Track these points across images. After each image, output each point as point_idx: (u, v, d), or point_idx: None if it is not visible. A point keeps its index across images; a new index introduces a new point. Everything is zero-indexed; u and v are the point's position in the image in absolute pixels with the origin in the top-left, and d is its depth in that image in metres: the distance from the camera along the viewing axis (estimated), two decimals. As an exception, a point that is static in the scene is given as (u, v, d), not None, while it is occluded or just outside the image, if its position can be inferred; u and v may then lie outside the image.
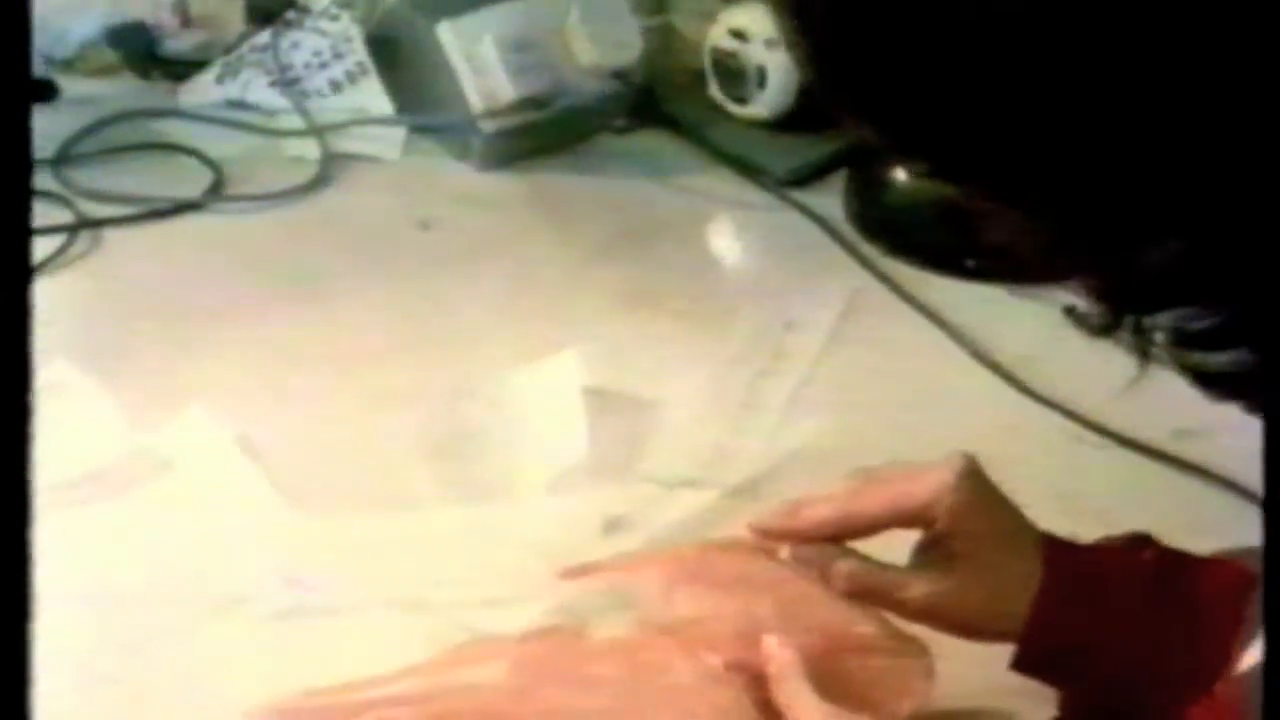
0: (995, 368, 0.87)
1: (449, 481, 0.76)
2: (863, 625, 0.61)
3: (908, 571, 0.60)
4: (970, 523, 0.59)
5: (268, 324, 0.88)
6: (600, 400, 0.81)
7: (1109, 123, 0.39)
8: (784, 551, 0.63)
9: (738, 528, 0.66)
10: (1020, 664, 0.59)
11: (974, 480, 0.59)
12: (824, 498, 0.61)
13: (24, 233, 0.33)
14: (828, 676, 0.57)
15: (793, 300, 0.92)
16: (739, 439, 0.81)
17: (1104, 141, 0.39)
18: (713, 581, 0.61)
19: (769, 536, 0.62)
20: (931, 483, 0.59)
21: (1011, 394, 0.85)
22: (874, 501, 0.60)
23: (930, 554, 0.60)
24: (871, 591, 0.60)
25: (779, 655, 0.57)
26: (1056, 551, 0.59)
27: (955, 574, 0.59)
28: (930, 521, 0.59)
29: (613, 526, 0.72)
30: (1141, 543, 0.59)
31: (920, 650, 0.61)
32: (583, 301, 0.92)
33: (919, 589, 0.59)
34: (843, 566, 0.60)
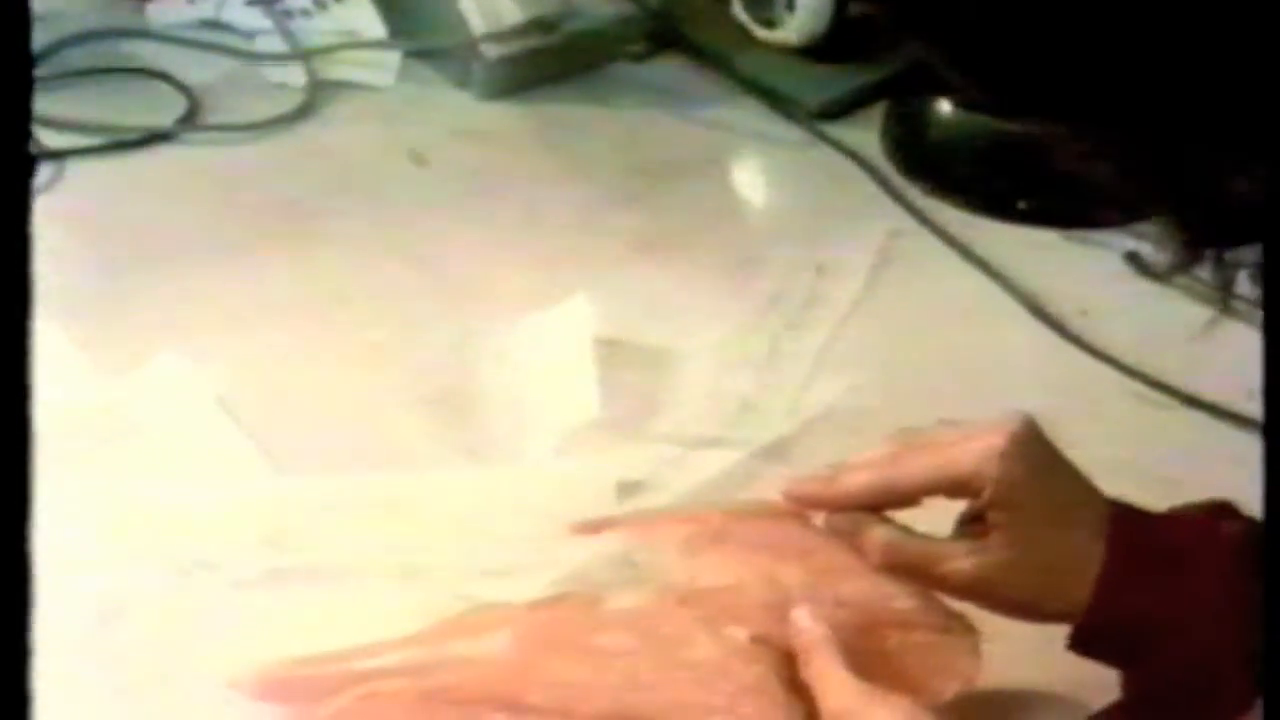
0: (1049, 320, 0.87)
1: (447, 441, 0.77)
2: (902, 599, 0.61)
3: (952, 543, 0.60)
4: (1023, 492, 0.58)
5: (246, 268, 0.88)
6: (614, 352, 0.81)
7: (1198, 36, 0.38)
8: (818, 519, 0.63)
9: (764, 492, 0.67)
10: (1078, 644, 0.59)
11: (1029, 445, 0.59)
12: (861, 463, 0.61)
13: (23, 235, 0.33)
14: (863, 654, 0.58)
15: (825, 245, 0.92)
16: (766, 395, 0.81)
17: (1193, 56, 0.38)
18: (737, 548, 0.62)
19: (802, 504, 0.62)
20: (980, 448, 0.59)
21: (1067, 349, 0.85)
22: (916, 467, 0.60)
23: (978, 525, 0.60)
24: (911, 564, 0.60)
25: (810, 629, 0.57)
26: (1126, 522, 0.58)
27: (1005, 547, 0.58)
28: (977, 490, 0.59)
29: (627, 491, 0.73)
30: (1221, 512, 0.59)
31: (965, 627, 0.61)
32: (594, 245, 0.92)
33: (964, 563, 0.59)
34: (879, 536, 0.60)
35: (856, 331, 0.86)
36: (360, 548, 0.69)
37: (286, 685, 0.59)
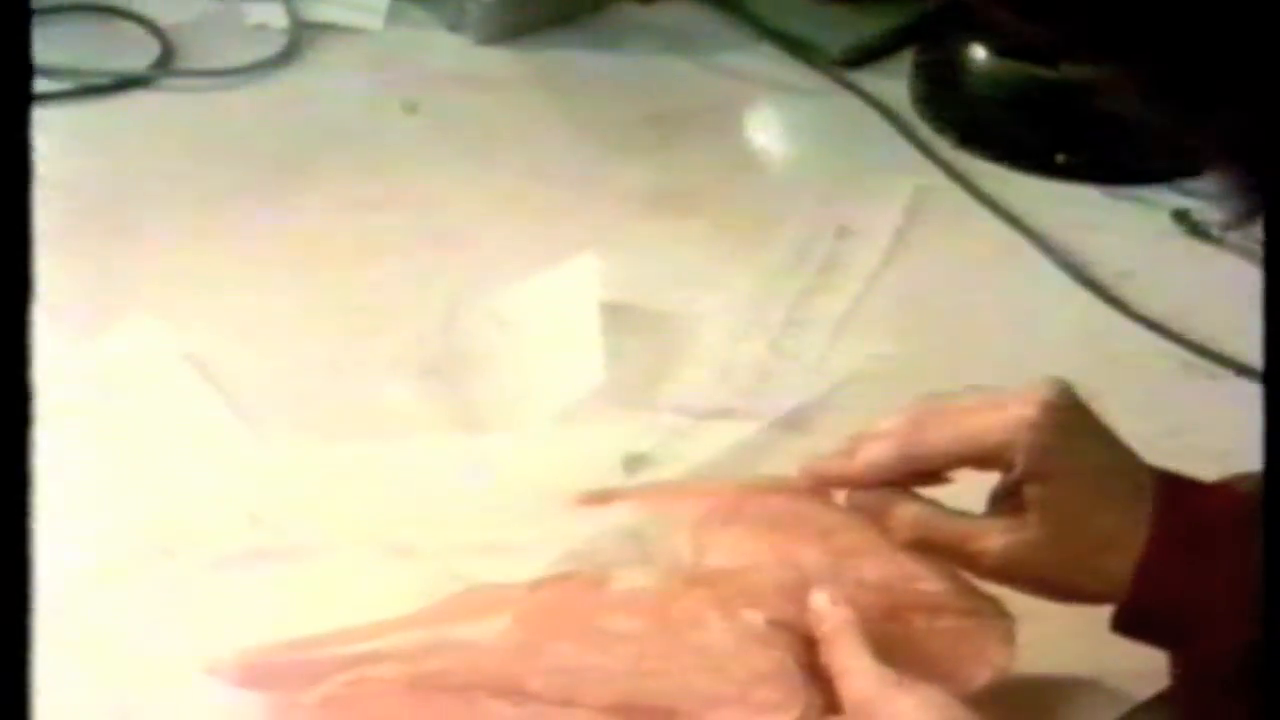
0: (1090, 283, 0.87)
1: (441, 410, 0.77)
2: (929, 581, 0.61)
3: (984, 520, 0.60)
4: (1058, 463, 0.58)
5: (225, 223, 0.88)
6: (621, 317, 0.81)
7: None
8: (839, 496, 0.63)
9: (781, 466, 0.67)
10: (1123, 625, 0.59)
11: (1063, 413, 0.58)
12: (882, 432, 0.61)
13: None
14: (886, 639, 0.57)
15: (848, 202, 0.92)
16: (783, 362, 0.81)
17: None
18: (753, 525, 0.62)
19: (821, 482, 0.62)
20: (1010, 416, 0.58)
21: (1109, 314, 0.85)
22: (940, 436, 0.60)
23: (1011, 501, 0.59)
24: (941, 543, 0.60)
25: (831, 613, 0.57)
26: (1172, 493, 0.58)
27: (1040, 524, 0.58)
28: (1008, 463, 0.58)
29: (635, 464, 0.73)
30: None
31: (998, 611, 0.61)
32: (600, 201, 0.91)
33: (996, 541, 0.58)
34: (905, 513, 0.60)
35: (881, 295, 0.85)
36: (348, 524, 0.69)
37: (268, 671, 0.59)
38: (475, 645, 0.58)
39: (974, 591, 0.61)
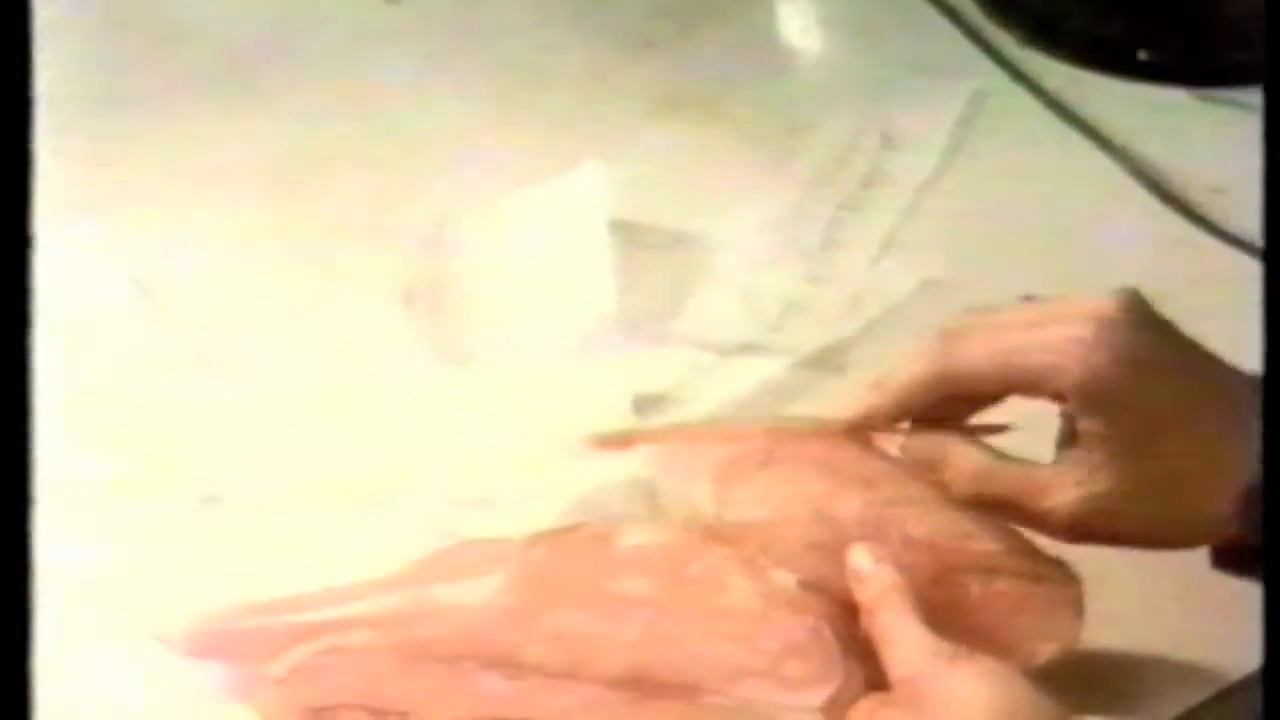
0: (1174, 199, 0.86)
1: (426, 343, 0.77)
2: (985, 540, 0.61)
3: (1051, 470, 0.59)
4: (1122, 391, 0.56)
5: (176, 130, 0.88)
6: (632, 237, 0.81)
7: None
8: (890, 445, 0.62)
9: (815, 407, 0.66)
10: (1225, 561, 0.58)
11: (1124, 331, 0.57)
12: (913, 353, 0.60)
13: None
14: (937, 606, 0.57)
15: (894, 106, 0.91)
16: (817, 291, 0.80)
17: None
18: (782, 473, 0.61)
19: (856, 422, 0.61)
20: (1058, 337, 0.57)
21: (1195, 234, 0.84)
22: (976, 353, 0.58)
23: (1078, 442, 0.58)
24: (1005, 496, 0.59)
25: (874, 574, 0.57)
26: None
27: (1109, 468, 0.57)
28: (1057, 391, 0.57)
29: (647, 405, 0.73)
30: None
31: (1065, 576, 0.61)
32: (609, 104, 0.91)
33: (1066, 495, 0.57)
34: (969, 461, 0.59)
35: (931, 213, 0.85)
36: (317, 470, 0.69)
37: (227, 640, 0.59)
38: (464, 609, 0.57)
39: (1037, 553, 0.61)
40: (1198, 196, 0.86)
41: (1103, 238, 0.84)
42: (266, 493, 0.68)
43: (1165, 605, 0.61)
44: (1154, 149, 0.89)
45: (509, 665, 0.56)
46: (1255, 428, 0.55)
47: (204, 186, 0.84)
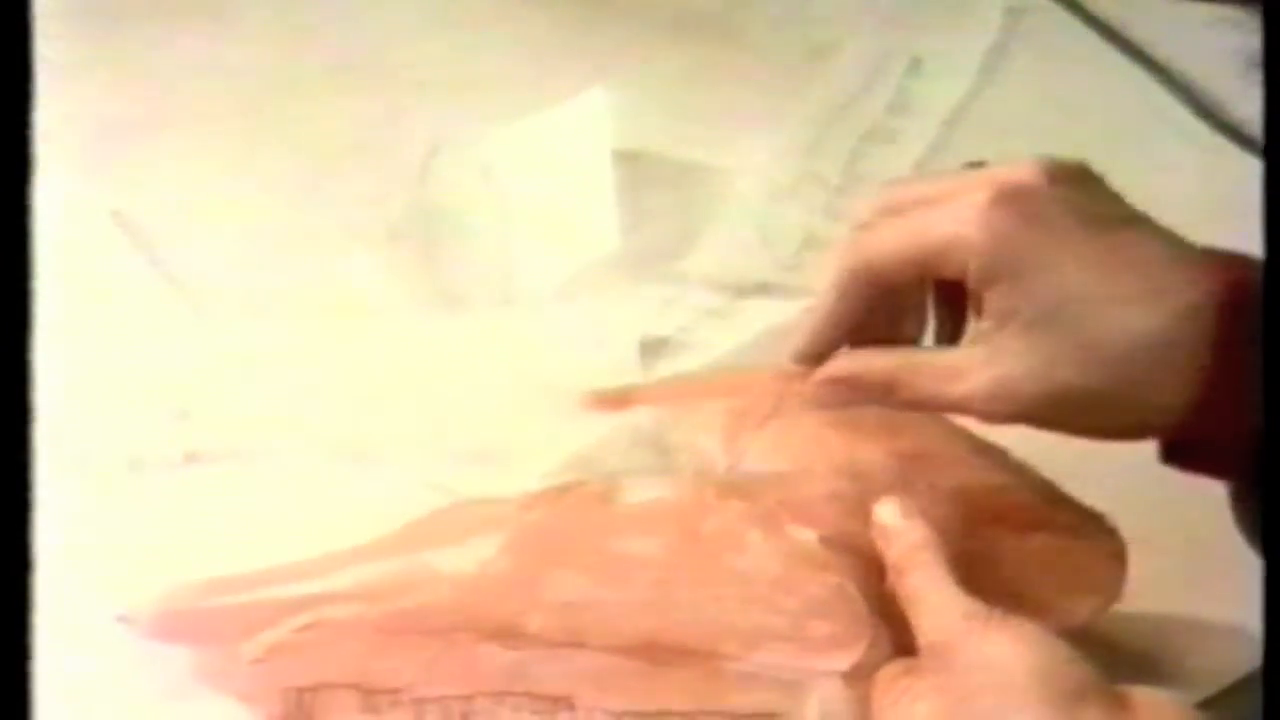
0: (1229, 129, 0.87)
1: (414, 283, 0.77)
2: (1019, 491, 0.60)
3: (961, 353, 0.58)
4: (1026, 259, 0.55)
5: (147, 55, 0.88)
6: (637, 168, 0.80)
7: None
8: None
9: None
10: (1175, 454, 0.57)
11: (1038, 195, 0.55)
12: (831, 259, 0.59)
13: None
14: (968, 562, 0.56)
15: (921, 27, 0.92)
16: (837, 227, 0.80)
17: None
18: (800, 422, 0.61)
19: (805, 357, 0.60)
20: (961, 206, 0.56)
21: (1249, 160, 0.84)
22: (889, 236, 0.57)
23: (986, 318, 0.57)
24: (924, 396, 0.57)
25: (903, 530, 0.56)
26: (1240, 276, 0.54)
27: (1017, 343, 0.55)
28: (964, 269, 0.56)
29: (654, 349, 0.73)
30: None
31: (1103, 527, 0.60)
32: (612, 24, 0.92)
33: (978, 377, 0.56)
34: (875, 365, 0.58)
35: (962, 142, 0.85)
36: (298, 422, 0.69)
37: (196, 619, 0.58)
38: (457, 577, 0.57)
39: (1074, 505, 0.60)
40: (1246, 115, 0.86)
41: (1148, 167, 0.84)
42: (244, 446, 0.68)
43: (1217, 559, 0.60)
44: (1207, 73, 0.89)
45: (508, 635, 0.56)
46: (1211, 316, 0.54)
47: (178, 116, 0.85)
